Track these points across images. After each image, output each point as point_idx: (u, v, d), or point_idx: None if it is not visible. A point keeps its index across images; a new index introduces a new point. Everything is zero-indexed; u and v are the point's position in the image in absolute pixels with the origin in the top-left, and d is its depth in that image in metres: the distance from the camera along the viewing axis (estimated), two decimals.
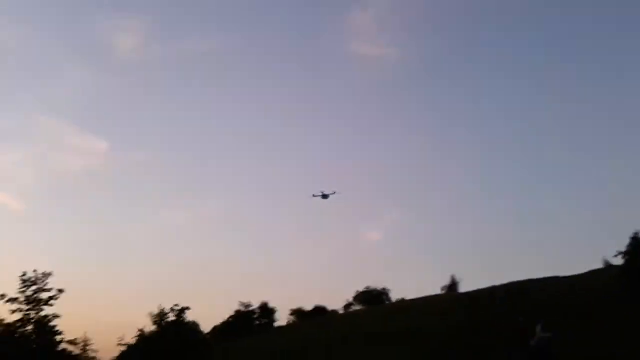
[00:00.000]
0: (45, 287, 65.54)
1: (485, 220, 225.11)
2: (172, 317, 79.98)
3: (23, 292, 65.20)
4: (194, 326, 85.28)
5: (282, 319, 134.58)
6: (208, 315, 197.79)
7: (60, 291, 66.99)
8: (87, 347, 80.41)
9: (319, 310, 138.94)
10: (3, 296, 65.32)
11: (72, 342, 70.91)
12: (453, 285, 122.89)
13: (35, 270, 66.93)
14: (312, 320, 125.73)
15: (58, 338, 68.09)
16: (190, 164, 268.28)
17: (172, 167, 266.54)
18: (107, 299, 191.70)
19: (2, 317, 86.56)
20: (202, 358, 76.49)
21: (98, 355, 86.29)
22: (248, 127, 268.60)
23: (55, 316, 67.33)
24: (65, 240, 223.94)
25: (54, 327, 67.07)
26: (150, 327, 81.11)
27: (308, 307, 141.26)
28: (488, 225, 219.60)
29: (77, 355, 75.01)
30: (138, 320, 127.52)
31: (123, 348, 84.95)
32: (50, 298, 66.09)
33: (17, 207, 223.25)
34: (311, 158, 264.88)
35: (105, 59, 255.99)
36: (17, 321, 66.70)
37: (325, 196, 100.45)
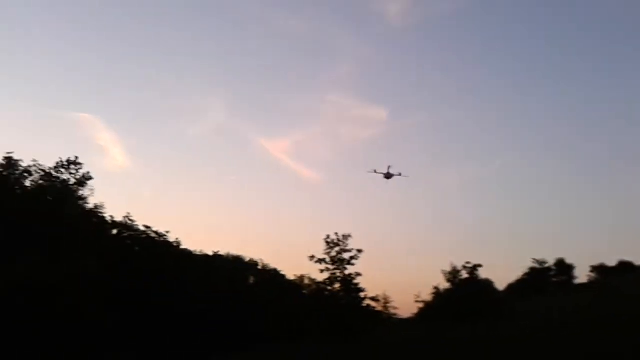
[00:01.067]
0: (347, 248, 71.25)
1: None
2: (464, 275, 79.98)
3: (328, 253, 71.92)
4: (487, 283, 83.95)
5: (581, 276, 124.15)
6: (501, 273, 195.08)
7: (360, 251, 72.17)
8: (388, 304, 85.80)
9: (624, 266, 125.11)
10: (312, 257, 73.00)
11: (374, 299, 75.95)
12: None
13: (336, 233, 73.21)
14: (617, 276, 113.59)
15: (362, 295, 73.62)
16: (470, 123, 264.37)
17: (451, 127, 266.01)
18: (402, 258, 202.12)
19: (313, 277, 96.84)
20: (497, 315, 74.72)
21: (398, 312, 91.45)
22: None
23: (358, 274, 72.90)
24: (358, 204, 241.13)
25: (357, 284, 72.66)
26: (444, 285, 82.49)
27: (611, 262, 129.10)
28: None
29: (379, 312, 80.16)
30: (433, 278, 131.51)
31: (420, 305, 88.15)
32: (352, 258, 71.66)
33: (316, 177, 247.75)
34: None
35: (376, 28, 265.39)
36: (326, 280, 73.87)
37: (388, 175, 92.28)
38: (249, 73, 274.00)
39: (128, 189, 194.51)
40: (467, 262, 79.58)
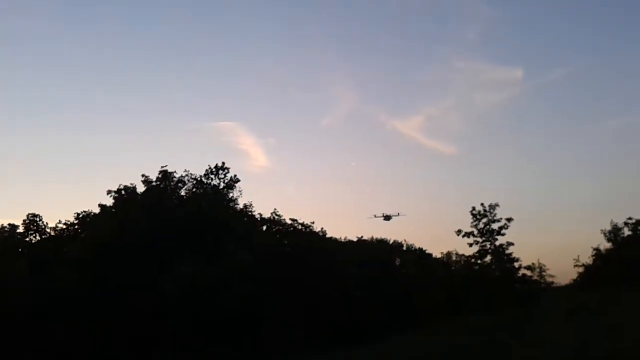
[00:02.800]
0: (495, 219, 69.02)
1: None
2: (627, 232, 74.41)
3: (475, 225, 70.16)
4: None
5: None
6: None
7: (510, 220, 69.59)
8: (544, 272, 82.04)
9: None
10: (460, 231, 71.60)
11: (529, 268, 72.94)
12: None
13: (482, 204, 71.17)
14: None
15: (516, 265, 70.99)
16: (620, 71, 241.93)
17: (596, 78, 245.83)
18: (553, 222, 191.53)
19: (461, 252, 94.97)
20: None
21: (555, 279, 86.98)
22: None
23: (510, 244, 70.40)
24: (501, 171, 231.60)
25: (510, 254, 70.20)
26: (605, 245, 77.24)
27: None
28: None
29: (535, 280, 76.84)
30: (592, 239, 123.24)
31: (580, 269, 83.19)
32: (502, 228, 69.32)
33: (452, 151, 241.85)
34: None
35: None
36: (475, 253, 72.17)
37: (387, 218, 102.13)
38: (373, 55, 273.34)
39: (272, 186, 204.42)
40: (629, 219, 73.84)
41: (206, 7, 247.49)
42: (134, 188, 65.02)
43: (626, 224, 73.62)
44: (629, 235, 73.65)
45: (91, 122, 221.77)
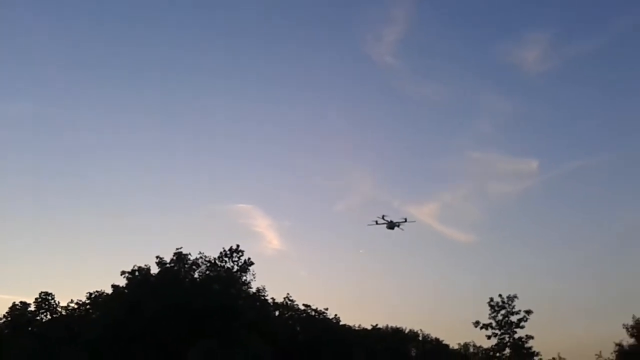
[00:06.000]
0: (513, 310, 67.33)
1: None
2: None
3: (494, 317, 68.42)
4: None
5: None
6: None
7: (528, 312, 67.84)
8: None
9: None
10: (477, 323, 69.79)
11: None
12: None
13: (500, 295, 69.70)
14: None
15: (536, 359, 68.57)
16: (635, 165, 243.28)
17: (612, 170, 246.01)
18: (573, 315, 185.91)
19: (478, 344, 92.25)
20: None
21: None
22: None
23: (529, 337, 68.28)
24: (517, 263, 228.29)
25: (530, 348, 67.96)
26: (627, 340, 74.37)
27: None
28: None
29: None
30: (613, 333, 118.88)
31: None
32: (520, 320, 67.49)
33: (467, 239, 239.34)
34: None
35: (514, 79, 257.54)
36: (494, 346, 69.96)
37: (391, 225, 75.17)
38: (390, 143, 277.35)
39: (285, 270, 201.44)
40: None
41: (228, 87, 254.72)
42: (148, 269, 64.89)
43: None
44: None
45: (106, 198, 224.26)
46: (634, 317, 73.01)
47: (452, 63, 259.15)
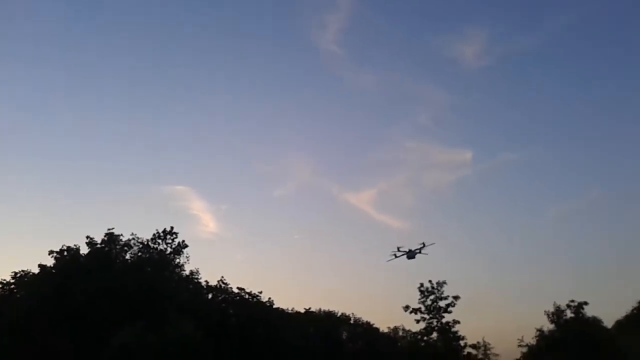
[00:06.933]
0: (442, 296, 69.69)
1: None
2: (569, 314, 75.88)
3: (423, 302, 70.61)
4: (595, 322, 79.12)
5: None
6: (609, 310, 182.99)
7: (456, 298, 70.35)
8: (489, 351, 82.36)
9: None
10: (407, 307, 71.83)
11: (474, 346, 73.41)
12: None
13: (430, 281, 71.84)
14: None
15: (461, 343, 71.32)
16: (563, 159, 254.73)
17: (542, 164, 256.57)
18: (499, 300, 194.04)
19: (408, 328, 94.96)
20: (608, 355, 70.03)
21: (499, 358, 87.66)
22: None
23: (456, 322, 70.89)
24: (449, 250, 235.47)
25: (456, 332, 70.58)
26: (548, 326, 78.34)
27: None
28: None
29: (480, 359, 77.27)
30: (534, 319, 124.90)
31: (524, 349, 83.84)
32: (448, 305, 69.94)
33: (401, 226, 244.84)
34: None
35: (452, 72, 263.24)
36: (422, 329, 72.26)
37: (412, 255, 71.63)
38: (329, 130, 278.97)
39: (220, 253, 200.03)
40: (571, 301, 75.47)
41: (162, 66, 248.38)
42: (77, 249, 63.04)
43: (568, 306, 75.15)
44: (571, 317, 74.94)
45: (36, 179, 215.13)
46: (554, 304, 77.11)
47: (393, 53, 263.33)
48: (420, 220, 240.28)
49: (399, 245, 73.84)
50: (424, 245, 72.38)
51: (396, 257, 73.21)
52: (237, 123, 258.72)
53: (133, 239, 65.34)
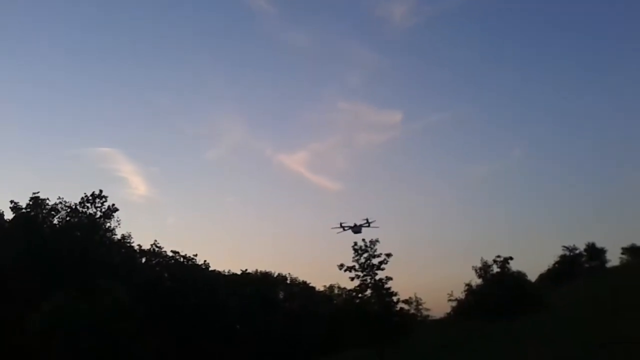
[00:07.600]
0: (375, 254, 70.85)
1: None
2: (496, 269, 79.08)
3: (357, 260, 71.45)
4: (520, 276, 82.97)
5: (614, 259, 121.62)
6: (532, 264, 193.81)
7: (389, 255, 71.46)
8: (420, 306, 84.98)
9: None
10: (342, 265, 72.59)
11: (406, 302, 75.38)
12: None
13: (363, 240, 72.76)
14: None
15: (394, 299, 73.07)
16: (486, 118, 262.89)
17: (468, 124, 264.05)
18: (430, 257, 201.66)
19: (343, 286, 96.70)
20: (532, 306, 73.82)
21: (430, 312, 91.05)
22: None
23: (389, 278, 72.23)
24: (380, 209, 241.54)
25: (389, 288, 72.05)
26: (476, 280, 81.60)
27: None
28: None
29: (412, 314, 79.66)
30: (463, 274, 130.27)
31: (453, 303, 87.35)
32: (381, 263, 71.13)
33: (334, 187, 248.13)
34: None
35: (382, 32, 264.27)
36: (356, 287, 73.46)
37: (357, 229, 74.06)
38: (261, 90, 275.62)
39: (153, 217, 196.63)
40: (498, 256, 78.54)
41: (91, 26, 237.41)
42: (1, 214, 60.63)
43: (495, 261, 78.02)
44: (497, 272, 78.14)
45: None
46: (482, 259, 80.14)
47: (324, 11, 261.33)
48: (352, 180, 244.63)
49: (341, 222, 76.06)
50: (368, 222, 75.41)
51: (344, 230, 75.86)
52: (163, 81, 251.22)
53: (60, 203, 63.01)
